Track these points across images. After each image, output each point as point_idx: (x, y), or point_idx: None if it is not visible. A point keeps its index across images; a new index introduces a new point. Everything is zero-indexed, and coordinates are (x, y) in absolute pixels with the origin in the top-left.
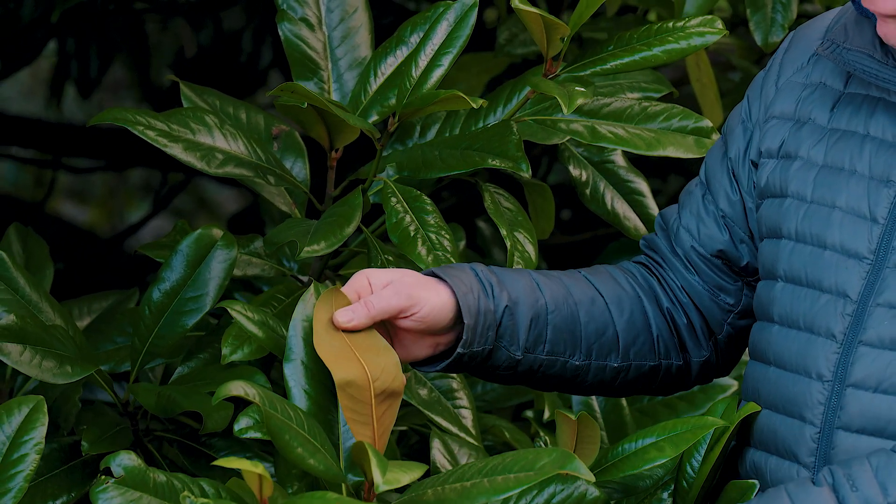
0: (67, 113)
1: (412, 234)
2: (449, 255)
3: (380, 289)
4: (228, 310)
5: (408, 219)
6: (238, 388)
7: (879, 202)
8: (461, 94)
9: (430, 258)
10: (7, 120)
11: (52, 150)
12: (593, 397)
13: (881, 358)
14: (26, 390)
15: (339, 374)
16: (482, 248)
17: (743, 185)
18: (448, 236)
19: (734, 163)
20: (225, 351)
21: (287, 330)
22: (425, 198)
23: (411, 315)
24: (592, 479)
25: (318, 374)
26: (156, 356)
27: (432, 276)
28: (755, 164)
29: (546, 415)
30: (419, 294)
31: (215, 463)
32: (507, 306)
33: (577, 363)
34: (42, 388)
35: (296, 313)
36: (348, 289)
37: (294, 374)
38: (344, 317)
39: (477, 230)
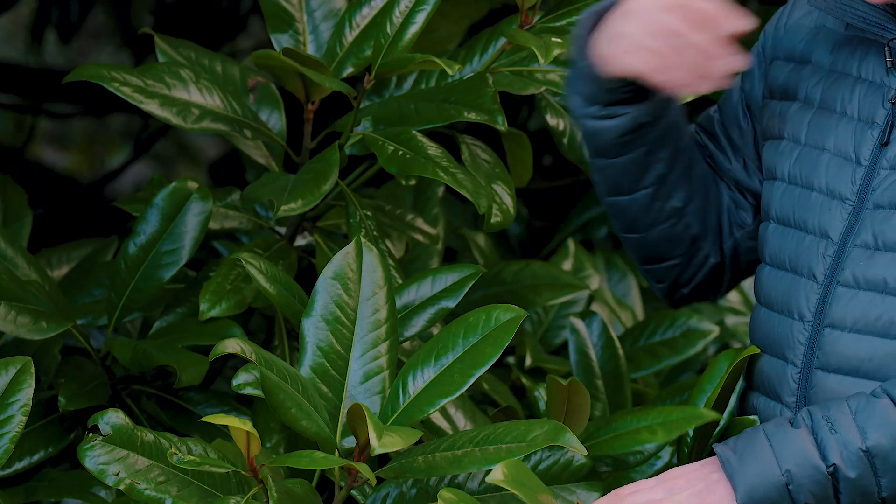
0: (48, 58)
1: (409, 157)
2: (456, 171)
3: None
4: (242, 261)
5: (401, 151)
6: (234, 345)
7: (863, 144)
8: (436, 60)
9: (444, 176)
10: None
11: (32, 95)
12: (593, 356)
13: (856, 298)
14: (3, 343)
15: None
16: (461, 195)
17: (756, 118)
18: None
19: (748, 95)
20: (203, 307)
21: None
22: (409, 130)
23: None
24: (584, 452)
25: (336, 332)
26: (133, 310)
27: None
28: (765, 101)
29: (528, 362)
30: None
31: (205, 419)
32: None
33: (661, 157)
34: (21, 340)
35: (325, 270)
36: None
37: (311, 329)
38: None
39: None
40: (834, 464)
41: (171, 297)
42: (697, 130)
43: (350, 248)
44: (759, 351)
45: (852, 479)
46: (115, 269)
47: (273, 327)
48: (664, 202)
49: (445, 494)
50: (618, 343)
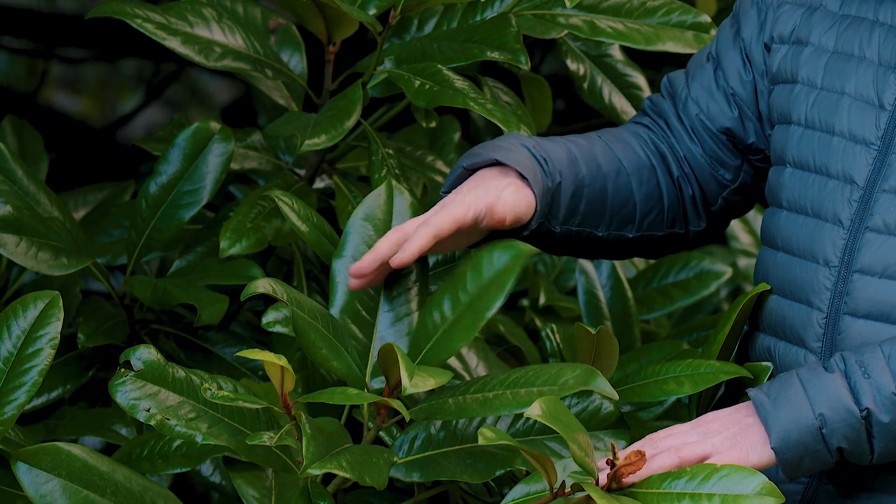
0: (60, 3)
1: (437, 89)
2: (485, 101)
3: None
4: (274, 198)
5: (428, 85)
6: (265, 285)
7: (887, 88)
8: None
9: (474, 105)
10: None
11: (45, 40)
12: (602, 298)
13: (887, 244)
14: (23, 282)
15: None
16: (475, 137)
17: (756, 66)
18: (469, 82)
19: (747, 44)
20: (223, 244)
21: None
22: (434, 65)
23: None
24: (616, 397)
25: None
26: (152, 249)
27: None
28: (768, 48)
29: (541, 301)
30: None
31: (240, 354)
32: (559, 182)
33: (599, 235)
34: (42, 279)
35: (357, 211)
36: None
37: (342, 270)
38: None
39: (470, 121)
40: (867, 408)
41: (189, 238)
42: (654, 106)
43: (381, 189)
44: (769, 287)
45: (885, 424)
46: (135, 208)
47: (291, 269)
48: (618, 241)
49: (486, 432)
50: (626, 285)
